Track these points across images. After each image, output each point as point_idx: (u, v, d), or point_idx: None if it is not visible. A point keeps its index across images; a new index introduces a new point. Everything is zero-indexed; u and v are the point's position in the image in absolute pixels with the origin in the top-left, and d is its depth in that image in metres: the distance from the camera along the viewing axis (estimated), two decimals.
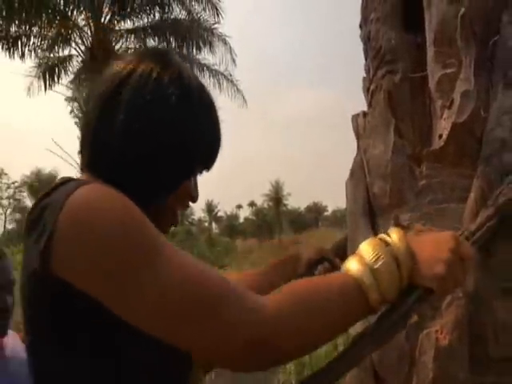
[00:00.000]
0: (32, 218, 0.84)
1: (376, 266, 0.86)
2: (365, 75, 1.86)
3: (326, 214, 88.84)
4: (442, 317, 1.44)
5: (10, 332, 1.76)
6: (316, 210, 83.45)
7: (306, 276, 1.10)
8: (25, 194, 41.69)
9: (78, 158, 13.46)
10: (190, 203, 1.04)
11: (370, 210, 1.62)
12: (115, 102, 0.90)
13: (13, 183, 39.71)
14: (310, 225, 67.60)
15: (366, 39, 1.84)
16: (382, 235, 0.92)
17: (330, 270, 1.34)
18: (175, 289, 0.77)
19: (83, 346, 0.83)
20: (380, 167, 1.58)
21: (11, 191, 40.06)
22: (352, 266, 0.87)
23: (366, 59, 1.86)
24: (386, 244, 0.89)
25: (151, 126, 0.90)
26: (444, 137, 1.46)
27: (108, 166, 0.91)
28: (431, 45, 1.59)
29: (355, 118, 1.78)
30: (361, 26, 1.90)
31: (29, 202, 41.94)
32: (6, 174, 38.61)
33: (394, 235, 0.90)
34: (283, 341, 0.80)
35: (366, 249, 0.89)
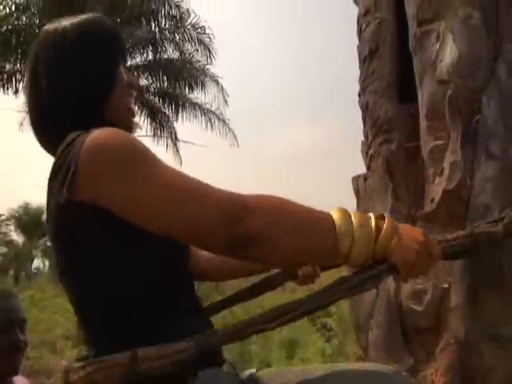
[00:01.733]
0: (57, 164, 1.03)
1: (356, 227, 0.97)
2: (363, 139, 2.08)
3: None
4: (436, 361, 1.62)
5: (20, 377, 1.82)
6: None
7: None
8: (12, 227, 41.25)
9: None
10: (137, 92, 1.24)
11: None
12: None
13: None
14: None
15: (365, 108, 2.06)
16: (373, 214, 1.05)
17: (311, 275, 1.49)
18: (174, 180, 0.97)
19: (108, 247, 1.03)
20: None
21: None
22: (337, 214, 0.99)
23: (364, 125, 2.09)
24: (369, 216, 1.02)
25: (65, 69, 1.13)
26: (436, 200, 1.67)
27: (64, 116, 1.12)
28: (423, 118, 1.81)
29: (356, 179, 1.99)
30: (359, 95, 2.13)
31: (15, 236, 41.54)
32: None
33: (386, 220, 1.02)
34: (256, 225, 0.92)
35: (355, 214, 1.01)
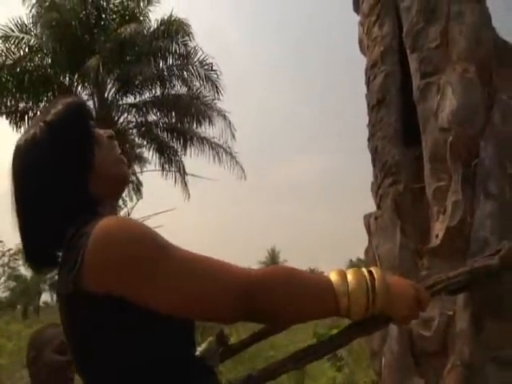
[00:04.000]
0: (64, 256, 1.06)
1: (351, 289, 1.06)
2: (373, 180, 2.29)
3: None
4: (445, 381, 1.78)
5: None
6: None
7: None
8: (20, 261, 41.24)
9: None
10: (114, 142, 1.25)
11: None
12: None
13: (8, 251, 39.40)
14: None
15: (374, 152, 2.27)
16: (364, 270, 1.12)
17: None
18: (187, 265, 1.01)
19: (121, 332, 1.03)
20: (390, 260, 1.98)
21: (6, 259, 39.73)
22: (333, 276, 1.09)
23: (373, 167, 2.29)
24: (364, 277, 1.09)
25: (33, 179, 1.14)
26: (440, 236, 1.86)
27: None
28: (427, 161, 2.02)
29: (367, 218, 2.19)
30: (368, 140, 2.34)
31: (23, 270, 41.50)
32: (1, 242, 38.33)
33: (376, 273, 1.11)
34: (262, 298, 1.01)
35: (350, 272, 1.10)
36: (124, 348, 1.04)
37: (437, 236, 1.89)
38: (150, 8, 14.29)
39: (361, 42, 2.61)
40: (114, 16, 14.12)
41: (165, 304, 1.00)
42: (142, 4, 14.13)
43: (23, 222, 1.18)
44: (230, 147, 14.29)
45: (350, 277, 1.09)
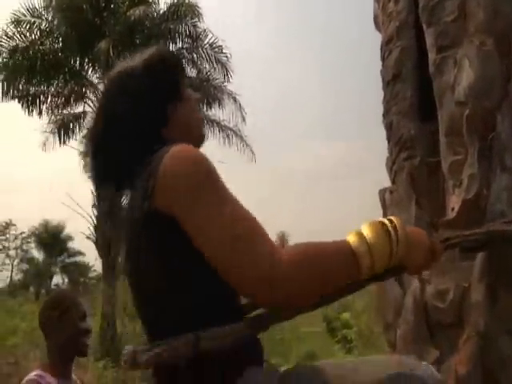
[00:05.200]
0: (139, 180, 1.16)
1: (372, 242, 1.09)
2: (388, 155, 2.29)
3: None
4: (459, 352, 1.80)
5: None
6: None
7: None
8: (32, 245, 41.72)
9: (89, 211, 13.75)
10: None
11: None
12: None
13: (20, 234, 39.89)
14: None
15: (389, 127, 2.27)
16: (383, 219, 1.15)
17: None
18: (239, 214, 1.08)
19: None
20: None
21: (18, 242, 40.25)
22: (351, 238, 1.10)
23: (388, 142, 2.29)
24: (384, 227, 1.12)
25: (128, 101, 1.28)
26: (456, 209, 1.87)
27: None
28: (443, 135, 2.02)
29: (382, 192, 2.20)
30: (383, 116, 2.34)
31: (36, 253, 42.03)
32: (14, 225, 38.78)
33: (397, 221, 1.14)
34: (290, 281, 1.02)
35: (367, 227, 1.12)
36: (184, 277, 1.12)
37: (453, 209, 1.90)
38: None
39: (376, 18, 2.60)
40: None
41: (201, 241, 1.07)
42: None
43: (110, 141, 1.30)
44: (240, 130, 14.26)
45: (367, 233, 1.11)
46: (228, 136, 14.28)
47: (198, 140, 1.36)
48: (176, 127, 1.30)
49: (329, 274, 1.08)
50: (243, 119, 14.26)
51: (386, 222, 1.14)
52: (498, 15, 1.97)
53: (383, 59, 2.33)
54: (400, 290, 1.97)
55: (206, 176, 1.11)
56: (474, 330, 1.79)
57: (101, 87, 14.13)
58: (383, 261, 1.10)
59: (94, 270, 39.77)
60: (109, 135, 1.30)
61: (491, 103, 1.91)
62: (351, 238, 1.11)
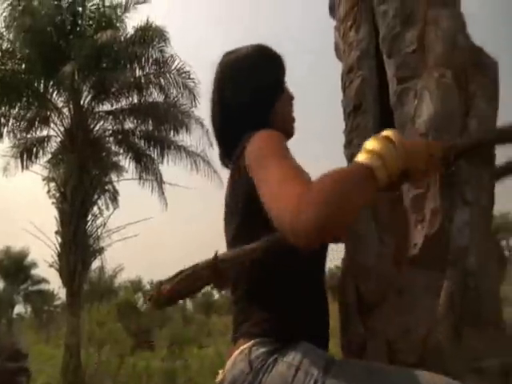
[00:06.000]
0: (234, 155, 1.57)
1: (382, 152, 1.26)
2: None
3: None
4: None
5: None
6: None
7: None
8: None
9: (53, 238, 13.39)
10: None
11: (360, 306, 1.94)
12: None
13: None
14: None
15: (350, 159, 2.21)
16: (384, 134, 1.35)
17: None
18: (288, 174, 1.29)
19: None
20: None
21: None
22: (361, 156, 1.29)
23: None
24: (387, 140, 1.31)
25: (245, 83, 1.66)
26: (418, 245, 1.82)
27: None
28: None
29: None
30: (345, 147, 2.30)
31: None
32: None
33: (395, 136, 1.33)
34: (323, 206, 1.12)
35: (372, 142, 1.30)
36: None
37: (415, 245, 1.85)
38: (127, 15, 14.14)
39: (337, 46, 2.57)
40: (91, 22, 13.96)
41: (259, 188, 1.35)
42: (118, 10, 13.98)
43: (227, 114, 1.68)
44: (207, 156, 14.21)
45: (374, 146, 1.29)
46: (195, 162, 14.20)
47: (288, 135, 1.69)
48: (275, 116, 1.67)
49: (354, 193, 1.18)
50: (210, 144, 14.21)
51: (390, 134, 1.33)
52: (455, 48, 1.96)
53: (344, 89, 2.29)
54: (362, 329, 1.90)
55: (272, 146, 1.40)
56: (437, 369, 1.72)
57: (65, 111, 13.95)
58: (396, 168, 1.27)
59: (59, 298, 38.81)
60: (227, 122, 1.68)
61: (451, 136, 1.88)
62: (361, 157, 1.29)
